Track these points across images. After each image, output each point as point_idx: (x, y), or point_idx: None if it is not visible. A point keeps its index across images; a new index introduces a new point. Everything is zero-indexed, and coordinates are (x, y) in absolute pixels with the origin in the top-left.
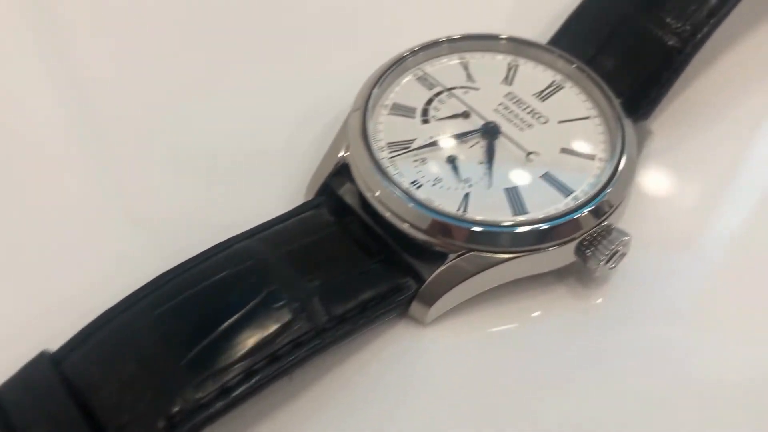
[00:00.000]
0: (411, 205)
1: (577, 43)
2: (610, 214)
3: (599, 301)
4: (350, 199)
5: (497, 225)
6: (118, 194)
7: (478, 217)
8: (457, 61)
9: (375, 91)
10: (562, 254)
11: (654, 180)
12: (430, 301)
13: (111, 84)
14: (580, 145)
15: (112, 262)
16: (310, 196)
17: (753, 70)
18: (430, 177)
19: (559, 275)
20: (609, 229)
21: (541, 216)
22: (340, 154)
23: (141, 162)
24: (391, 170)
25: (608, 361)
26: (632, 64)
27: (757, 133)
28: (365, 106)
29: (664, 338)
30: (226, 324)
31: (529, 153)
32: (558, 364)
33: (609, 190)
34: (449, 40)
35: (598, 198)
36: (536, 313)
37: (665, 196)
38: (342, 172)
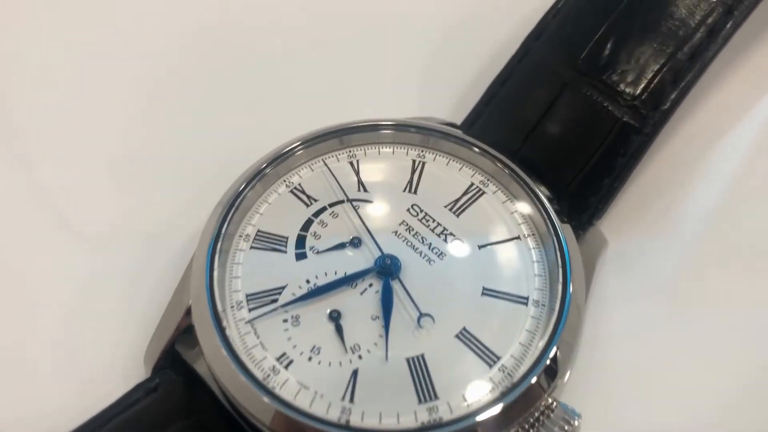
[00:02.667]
0: (270, 402)
1: (499, 127)
2: (554, 388)
3: None
4: (203, 370)
5: None
6: None
7: (366, 422)
8: (346, 161)
9: (232, 214)
10: None
11: (608, 318)
12: None
13: None
14: (508, 282)
15: None
16: (149, 368)
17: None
18: (304, 346)
19: None
20: (551, 407)
21: (454, 414)
22: (185, 308)
23: None
24: (249, 342)
25: None
26: (574, 150)
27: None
28: (214, 239)
29: None
30: None
31: (422, 316)
32: None
33: (552, 352)
34: (333, 132)
35: (538, 367)
36: None
37: (625, 340)
38: (191, 330)
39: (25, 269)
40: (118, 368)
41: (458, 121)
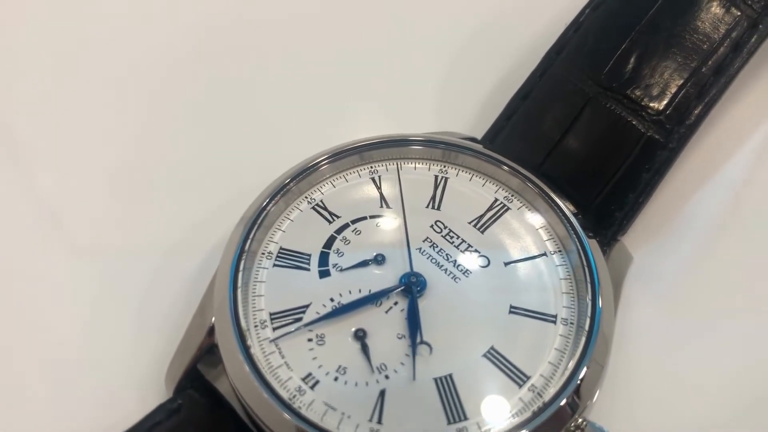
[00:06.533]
0: (297, 424)
1: (521, 142)
2: (584, 409)
3: None
4: (225, 389)
5: None
6: None
7: None
8: (367, 177)
9: (255, 231)
10: None
11: (632, 333)
12: None
13: None
14: (536, 300)
15: None
16: (171, 388)
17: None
18: (330, 366)
19: None
20: (580, 426)
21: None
22: (208, 328)
23: None
24: (274, 361)
25: None
26: (599, 166)
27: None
28: (238, 256)
29: None
30: None
31: (420, 343)
32: None
33: (582, 373)
34: (355, 148)
35: (568, 388)
36: None
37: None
38: (213, 350)
39: (33, 284)
40: (135, 388)
41: (478, 136)
